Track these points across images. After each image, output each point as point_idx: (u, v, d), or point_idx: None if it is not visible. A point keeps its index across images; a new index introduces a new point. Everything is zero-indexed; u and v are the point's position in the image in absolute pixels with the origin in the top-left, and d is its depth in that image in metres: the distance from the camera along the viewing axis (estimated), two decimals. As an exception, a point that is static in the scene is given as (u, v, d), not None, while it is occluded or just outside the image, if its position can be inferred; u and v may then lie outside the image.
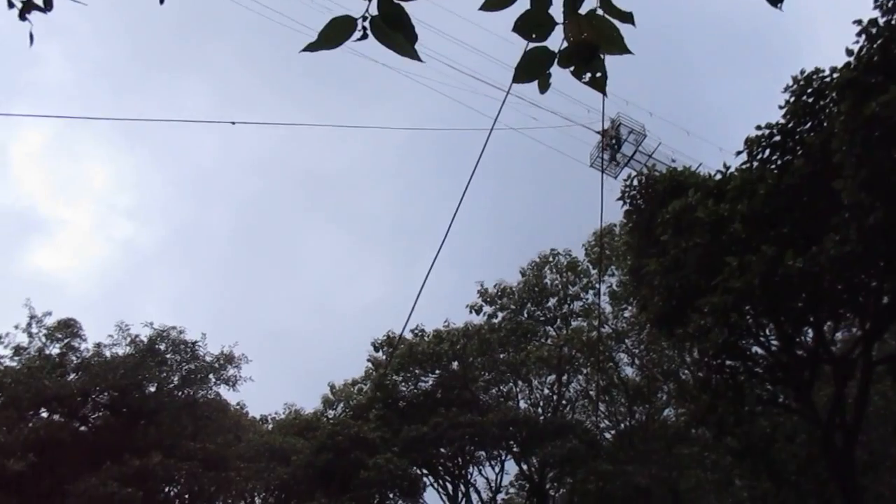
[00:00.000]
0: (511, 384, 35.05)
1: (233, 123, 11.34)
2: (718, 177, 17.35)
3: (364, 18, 2.22)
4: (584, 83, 2.45)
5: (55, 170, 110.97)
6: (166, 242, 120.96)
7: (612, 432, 34.22)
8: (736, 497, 26.32)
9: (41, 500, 25.92)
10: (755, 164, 15.76)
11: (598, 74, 2.42)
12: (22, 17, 6.94)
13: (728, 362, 17.38)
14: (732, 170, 16.73)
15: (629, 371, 32.76)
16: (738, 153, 16.06)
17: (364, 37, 2.25)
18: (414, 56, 2.29)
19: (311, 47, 2.24)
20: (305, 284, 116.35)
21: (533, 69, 2.40)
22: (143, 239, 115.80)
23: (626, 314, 30.75)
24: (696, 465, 27.00)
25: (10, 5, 6.86)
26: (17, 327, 30.17)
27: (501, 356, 33.16)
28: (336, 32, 2.23)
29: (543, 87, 2.49)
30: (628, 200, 19.53)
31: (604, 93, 2.48)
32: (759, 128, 15.59)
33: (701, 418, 19.14)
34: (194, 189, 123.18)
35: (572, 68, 2.40)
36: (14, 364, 29.82)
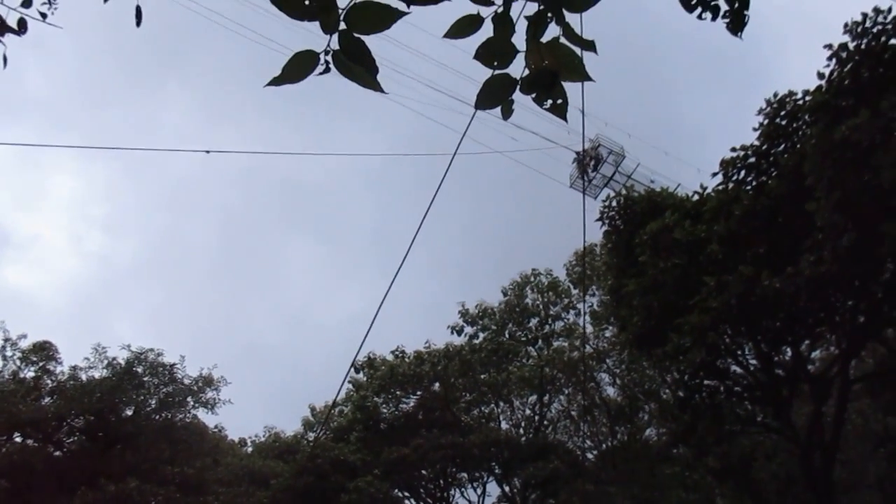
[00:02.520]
0: (492, 405, 34.95)
1: (207, 152, 11.32)
2: (695, 198, 17.56)
3: (326, 52, 2.25)
4: (545, 109, 2.48)
5: (25, 183, 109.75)
6: (142, 256, 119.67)
7: (595, 452, 34.14)
8: (717, 517, 26.32)
9: (14, 528, 25.39)
10: (731, 185, 15.95)
11: (559, 101, 2.46)
12: (-6, 39, 6.92)
13: (707, 382, 17.48)
14: (709, 191, 16.93)
15: (611, 391, 32.80)
16: (714, 174, 16.27)
17: (326, 70, 2.28)
18: (376, 87, 2.32)
19: (275, 82, 2.28)
20: (285, 297, 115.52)
21: (495, 96, 2.43)
22: (117, 253, 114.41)
23: (608, 334, 30.81)
24: (678, 485, 26.96)
25: (-17, 28, 6.84)
26: (-9, 351, 29.73)
27: (483, 377, 33.06)
28: (299, 67, 2.27)
29: (506, 114, 2.52)
30: (607, 221, 19.68)
31: (564, 119, 2.51)
32: (734, 149, 15.81)
33: (681, 438, 19.19)
34: (171, 201, 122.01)
35: (534, 95, 2.43)
36: (-12, 388, 29.35)
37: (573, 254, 31.51)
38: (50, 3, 7.56)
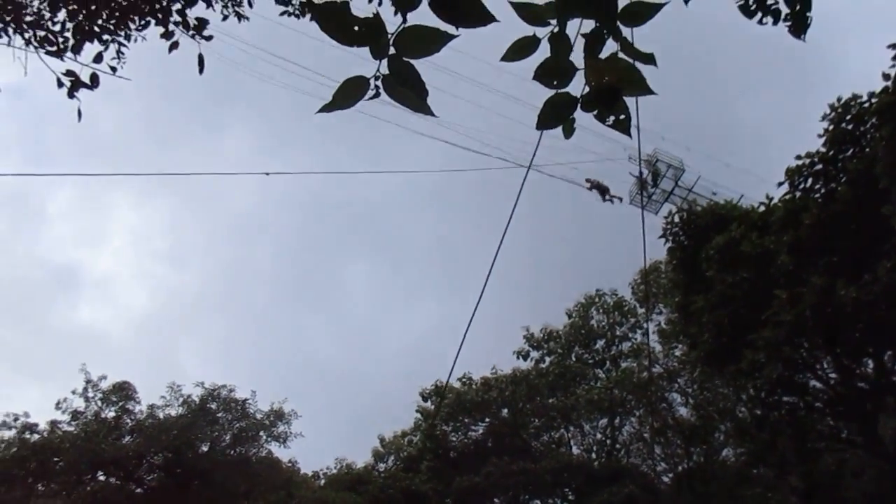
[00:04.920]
0: (562, 430, 34.44)
1: (266, 174, 11.70)
2: (761, 209, 17.14)
3: (376, 77, 2.31)
4: (608, 126, 2.49)
5: (91, 223, 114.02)
6: (208, 286, 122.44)
7: (670, 475, 33.20)
8: (805, 539, 25.19)
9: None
10: (798, 193, 15.53)
11: (622, 116, 2.46)
12: (71, 95, 7.29)
13: (785, 398, 16.87)
14: (775, 201, 16.53)
15: (683, 411, 31.96)
16: (780, 184, 15.88)
17: (377, 95, 2.34)
18: (427, 111, 2.36)
19: (326, 108, 2.34)
20: (352, 323, 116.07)
21: (556, 115, 2.45)
22: (184, 285, 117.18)
23: (677, 353, 30.13)
24: (761, 506, 26.00)
25: (60, 85, 7.21)
26: (73, 392, 30.88)
27: (551, 401, 32.68)
28: (350, 92, 2.32)
29: (568, 133, 2.53)
30: (671, 237, 19.36)
31: (628, 134, 2.51)
32: (799, 157, 15.41)
33: (761, 457, 18.54)
34: (233, 229, 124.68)
35: (595, 112, 2.45)
36: (72, 428, 30.45)
37: (637, 272, 31.05)
38: (118, 56, 7.95)
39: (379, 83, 2.33)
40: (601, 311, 32.89)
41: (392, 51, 2.30)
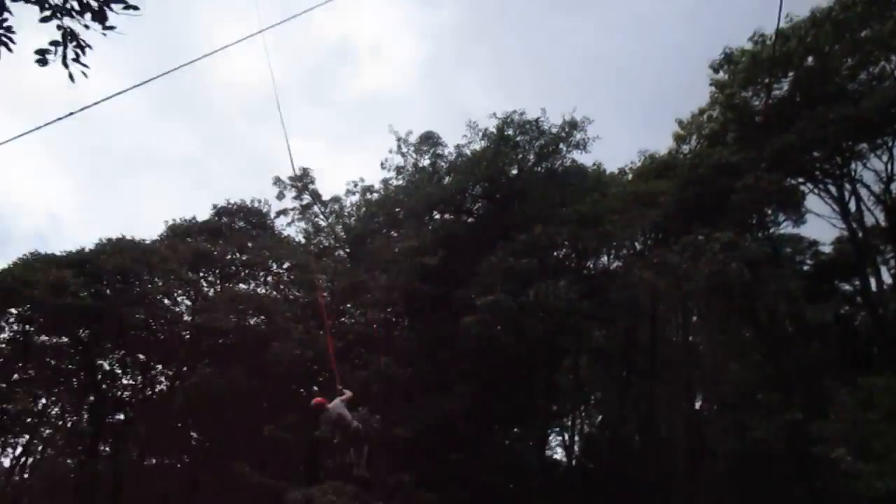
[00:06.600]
0: (882, 63, 30.60)
1: None
2: None
3: None
4: None
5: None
6: (468, 17, 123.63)
7: None
8: None
9: (456, 284, 30.76)
10: None
11: None
12: None
13: None
14: None
15: None
16: None
17: None
18: None
19: None
20: (620, 14, 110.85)
21: None
22: (446, 22, 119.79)
23: None
24: None
25: None
26: (390, 151, 34.93)
27: (864, 34, 28.93)
28: None
29: None
30: None
31: None
32: None
33: None
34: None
35: None
36: (400, 182, 34.88)
37: None
38: None
39: None
40: None
41: None
